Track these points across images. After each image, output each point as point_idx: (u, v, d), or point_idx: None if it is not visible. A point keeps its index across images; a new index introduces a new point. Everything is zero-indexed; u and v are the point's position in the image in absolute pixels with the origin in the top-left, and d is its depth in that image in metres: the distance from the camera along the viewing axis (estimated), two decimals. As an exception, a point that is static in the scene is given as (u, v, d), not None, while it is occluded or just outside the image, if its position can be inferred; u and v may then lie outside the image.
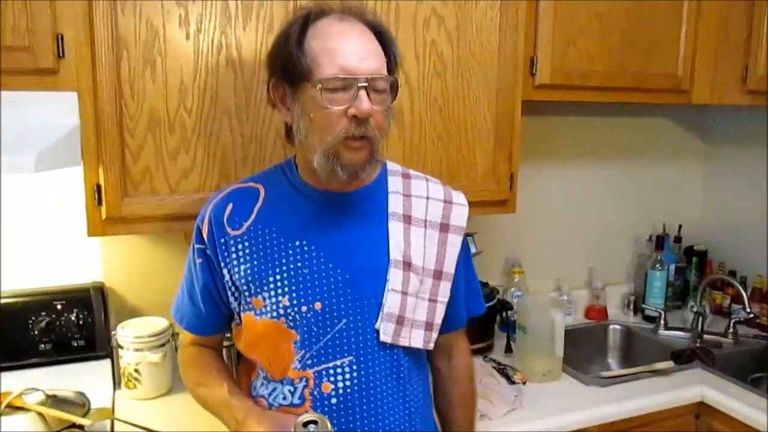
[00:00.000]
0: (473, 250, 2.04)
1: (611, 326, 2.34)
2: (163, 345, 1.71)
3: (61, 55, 1.37)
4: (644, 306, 2.36)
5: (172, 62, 1.45)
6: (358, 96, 1.07)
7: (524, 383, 1.79)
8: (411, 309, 1.20)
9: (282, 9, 1.50)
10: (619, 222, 2.52)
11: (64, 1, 1.36)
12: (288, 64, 1.12)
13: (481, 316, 1.93)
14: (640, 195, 2.53)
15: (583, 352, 2.20)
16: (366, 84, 1.07)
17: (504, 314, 2.10)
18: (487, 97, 1.75)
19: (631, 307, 2.43)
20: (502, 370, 1.85)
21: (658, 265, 2.36)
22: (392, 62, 1.17)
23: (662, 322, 2.26)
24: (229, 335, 1.36)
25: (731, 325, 2.19)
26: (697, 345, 2.07)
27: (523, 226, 2.31)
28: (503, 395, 1.70)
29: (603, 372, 1.97)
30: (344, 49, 1.08)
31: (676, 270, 2.47)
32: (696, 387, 1.84)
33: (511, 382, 1.79)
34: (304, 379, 1.17)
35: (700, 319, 2.19)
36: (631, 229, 2.54)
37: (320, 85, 1.07)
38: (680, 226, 2.52)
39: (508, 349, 2.02)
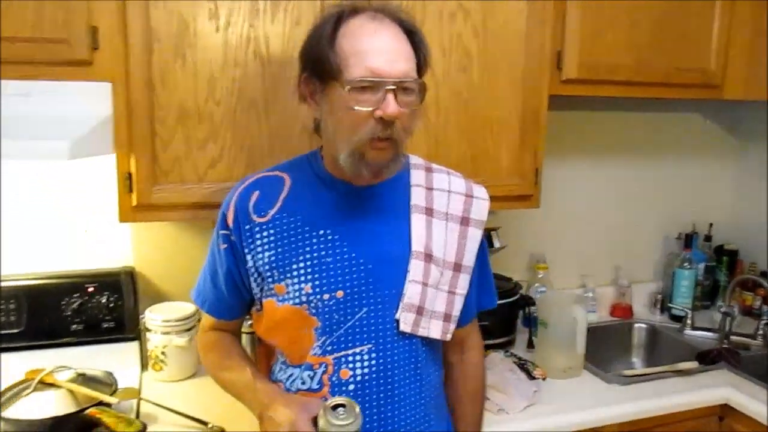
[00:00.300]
0: (497, 244, 2.05)
1: (636, 325, 2.32)
2: (189, 329, 1.76)
3: (95, 46, 1.42)
4: (671, 305, 2.34)
5: (201, 54, 1.49)
6: (386, 98, 1.08)
7: (544, 379, 1.80)
8: (430, 300, 1.22)
9: (310, 4, 1.53)
10: (647, 219, 2.49)
11: (99, -5, 1.41)
12: (319, 62, 1.13)
13: (504, 311, 1.98)
14: (669, 192, 2.50)
15: (606, 350, 2.19)
16: (394, 87, 1.08)
17: (526, 310, 2.10)
18: (512, 92, 1.75)
19: (658, 306, 2.40)
20: (522, 365, 1.85)
21: (686, 264, 2.33)
22: (422, 63, 1.17)
23: (689, 321, 2.23)
24: (249, 322, 1.40)
25: (760, 326, 2.15)
26: (724, 346, 2.04)
27: (548, 222, 2.30)
28: (522, 390, 1.71)
29: (625, 370, 1.96)
30: (374, 50, 1.09)
31: (705, 269, 2.44)
32: (720, 388, 1.81)
33: (531, 377, 1.80)
34: (323, 365, 1.19)
35: (729, 319, 2.15)
36: (659, 226, 2.51)
37: (348, 87, 1.09)
38: (711, 225, 2.49)
39: (530, 345, 2.02)
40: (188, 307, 1.79)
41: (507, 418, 1.62)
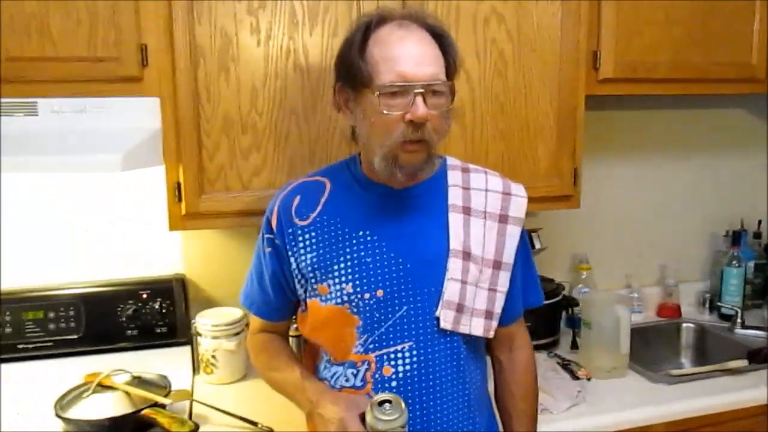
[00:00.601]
0: (538, 245, 2.05)
1: (684, 324, 2.28)
2: (238, 333, 1.82)
3: (144, 63, 1.50)
4: (720, 304, 2.29)
5: (244, 68, 1.55)
6: (415, 102, 1.11)
7: (588, 379, 1.79)
8: (470, 298, 1.25)
9: (346, 14, 1.58)
10: (692, 218, 2.45)
11: (147, 15, 1.48)
12: (351, 71, 1.18)
13: (547, 312, 1.98)
14: (714, 189, 2.45)
15: (654, 350, 2.16)
16: (422, 90, 1.12)
17: (570, 310, 2.09)
18: (549, 94, 1.76)
19: (707, 305, 2.36)
20: (566, 366, 1.85)
21: (734, 262, 2.28)
22: (451, 66, 1.20)
23: (739, 320, 2.19)
24: (294, 326, 1.44)
25: (813, 324, 2.10)
26: (775, 344, 2.00)
27: (590, 223, 2.29)
28: (566, 390, 1.71)
29: (672, 370, 1.93)
30: (402, 55, 1.13)
31: (755, 267, 2.38)
32: (771, 387, 1.78)
33: (575, 377, 1.79)
34: (365, 363, 1.23)
35: (780, 318, 2.11)
36: (705, 224, 2.47)
37: (378, 92, 1.13)
38: (759, 222, 2.43)
39: (574, 346, 2.02)
40: (236, 312, 1.85)
41: (551, 417, 1.62)
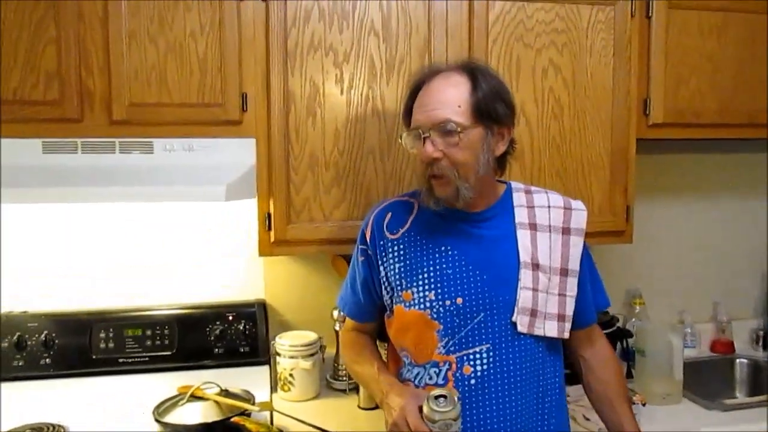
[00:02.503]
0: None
1: (738, 360, 2.34)
2: (313, 354, 1.98)
3: (244, 108, 1.73)
4: (773, 341, 2.35)
5: (329, 112, 1.76)
6: (424, 144, 1.32)
7: (643, 404, 1.87)
8: (542, 303, 1.39)
9: (418, 65, 1.78)
10: (744, 256, 2.53)
11: (248, 67, 1.72)
12: (405, 117, 1.42)
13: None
14: (764, 229, 2.53)
15: (708, 384, 2.21)
16: (427, 134, 1.32)
17: (625, 342, 2.18)
18: (602, 136, 1.92)
19: (760, 342, 2.41)
20: (622, 392, 1.94)
21: (786, 300, 2.35)
22: (480, 95, 1.32)
23: (792, 357, 2.24)
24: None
25: None
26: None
27: (644, 259, 2.40)
28: (622, 413, 1.79)
29: (726, 400, 2.00)
30: (420, 104, 1.36)
31: (807, 306, 2.43)
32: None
33: (631, 402, 1.87)
34: (447, 363, 1.38)
35: (833, 354, 2.15)
36: (757, 263, 2.54)
37: (405, 137, 1.37)
38: (811, 262, 2.49)
39: (629, 375, 2.09)
40: (312, 335, 2.01)
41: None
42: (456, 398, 1.24)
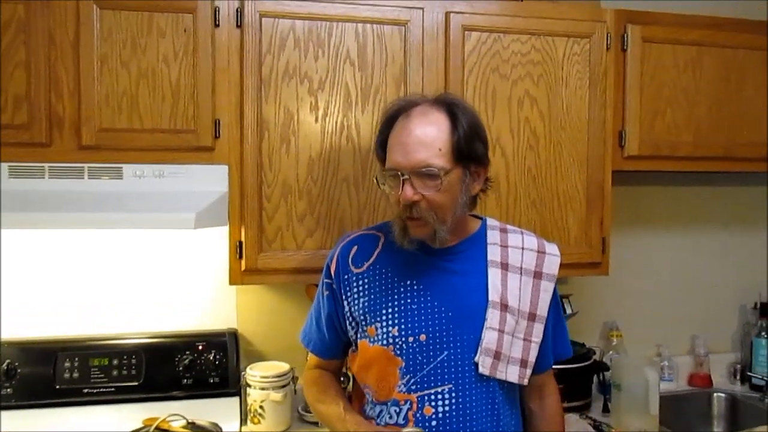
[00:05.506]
0: (569, 311, 2.15)
1: (716, 394, 2.33)
2: (284, 386, 1.93)
3: (217, 135, 1.71)
4: (750, 374, 2.34)
5: (303, 140, 1.75)
6: (403, 186, 1.27)
7: (619, 440, 1.86)
8: (507, 346, 1.36)
9: (394, 95, 1.77)
10: (722, 289, 2.53)
11: (221, 94, 1.70)
12: (377, 152, 1.38)
13: (579, 375, 2.06)
14: (741, 263, 2.53)
15: (686, 418, 2.21)
16: (407, 177, 1.27)
17: (601, 376, 2.16)
18: (578, 167, 1.92)
19: (738, 376, 2.40)
20: (598, 427, 1.92)
21: (763, 333, 2.34)
22: (460, 133, 1.29)
23: (770, 391, 2.23)
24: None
25: None
26: (807, 415, 2.03)
27: (621, 291, 2.39)
28: (597, 449, 1.77)
29: (703, 435, 1.98)
30: (398, 143, 1.29)
31: (784, 339, 2.43)
32: (802, 455, 1.82)
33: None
34: (408, 402, 1.34)
35: (811, 389, 2.14)
36: (734, 297, 2.54)
37: (380, 174, 1.32)
38: (787, 294, 2.49)
39: (605, 410, 2.08)
40: (284, 366, 1.97)
41: (583, 474, 1.68)
42: None
